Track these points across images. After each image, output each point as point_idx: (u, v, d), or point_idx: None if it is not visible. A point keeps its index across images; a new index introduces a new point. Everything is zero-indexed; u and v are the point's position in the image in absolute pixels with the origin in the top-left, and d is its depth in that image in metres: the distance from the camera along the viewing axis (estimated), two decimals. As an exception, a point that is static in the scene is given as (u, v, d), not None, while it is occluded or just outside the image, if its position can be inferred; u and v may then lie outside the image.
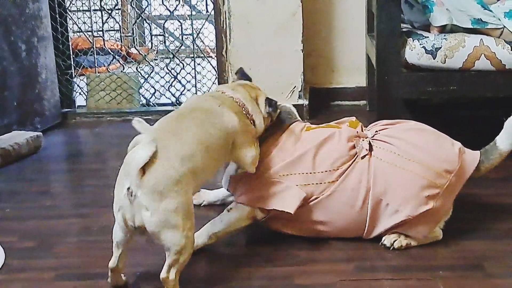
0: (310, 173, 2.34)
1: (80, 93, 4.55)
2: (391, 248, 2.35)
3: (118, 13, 5.55)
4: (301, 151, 2.37)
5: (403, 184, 2.29)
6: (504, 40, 3.02)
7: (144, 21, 5.68)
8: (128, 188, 1.97)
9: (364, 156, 2.35)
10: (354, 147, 2.37)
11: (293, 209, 2.31)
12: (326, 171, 2.34)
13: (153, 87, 4.59)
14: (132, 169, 1.96)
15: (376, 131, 2.43)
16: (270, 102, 2.39)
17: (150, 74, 4.65)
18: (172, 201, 1.98)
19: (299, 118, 2.55)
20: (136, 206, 1.98)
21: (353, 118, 2.52)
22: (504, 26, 3.04)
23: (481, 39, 3.02)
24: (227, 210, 2.40)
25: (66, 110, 4.34)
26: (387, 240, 2.36)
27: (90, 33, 4.69)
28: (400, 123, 2.48)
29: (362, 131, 2.46)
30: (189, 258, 2.05)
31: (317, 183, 2.34)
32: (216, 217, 2.41)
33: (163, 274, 2.02)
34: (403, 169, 2.30)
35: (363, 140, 2.39)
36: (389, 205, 2.31)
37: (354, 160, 2.35)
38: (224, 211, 2.41)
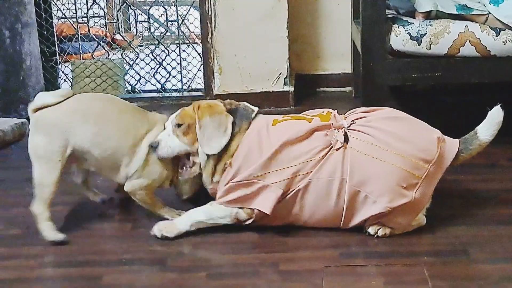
0: (285, 168, 2.33)
1: (65, 80, 4.53)
2: (375, 236, 2.36)
3: (102, -1, 5.52)
4: (273, 149, 2.34)
5: (380, 175, 2.28)
6: (489, 26, 3.03)
7: (129, 7, 5.65)
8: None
9: (339, 148, 2.33)
10: (326, 135, 2.35)
11: (269, 209, 2.33)
12: (300, 163, 2.33)
13: (138, 73, 4.56)
14: (31, 104, 2.40)
15: (353, 120, 2.40)
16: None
17: (135, 60, 4.63)
18: (40, 138, 2.37)
19: (255, 110, 2.50)
20: None
21: (324, 112, 2.48)
22: (489, 12, 3.05)
23: (466, 25, 3.03)
24: (210, 204, 2.42)
25: (51, 97, 4.31)
26: (371, 229, 2.37)
27: (74, 20, 4.66)
28: (377, 111, 2.45)
29: (337, 121, 2.42)
30: (47, 192, 2.37)
31: (292, 177, 2.33)
32: (199, 207, 2.43)
33: (30, 206, 2.41)
34: (380, 160, 2.28)
35: (338, 131, 2.37)
36: (367, 197, 2.30)
37: (329, 152, 2.33)
38: (207, 205, 2.42)
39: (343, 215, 2.35)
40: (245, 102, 2.53)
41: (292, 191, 2.34)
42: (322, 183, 2.32)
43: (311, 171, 2.32)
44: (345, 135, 2.35)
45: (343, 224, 2.38)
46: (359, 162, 2.30)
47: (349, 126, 2.38)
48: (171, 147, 2.42)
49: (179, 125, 2.42)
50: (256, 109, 2.50)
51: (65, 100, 2.41)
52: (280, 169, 2.33)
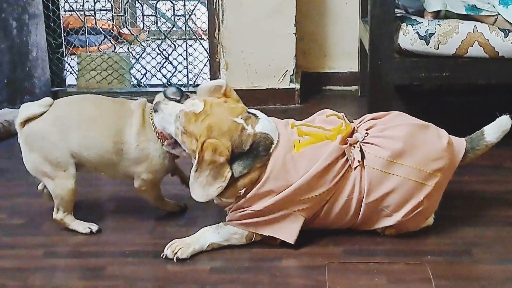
0: (311, 197, 2.26)
1: (70, 72, 4.52)
2: (381, 234, 2.36)
3: (110, -8, 5.53)
4: (301, 181, 2.23)
5: (396, 190, 2.26)
6: (498, 27, 3.02)
7: (136, 1, 5.66)
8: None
9: (356, 166, 2.28)
10: (347, 160, 2.28)
11: (293, 240, 2.27)
12: (324, 191, 2.26)
13: (144, 67, 4.56)
14: (18, 118, 2.39)
15: (366, 131, 2.35)
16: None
17: (142, 54, 4.63)
18: (37, 155, 2.36)
19: (274, 139, 2.27)
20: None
21: (344, 125, 2.36)
22: (498, 13, 3.04)
23: (475, 25, 3.02)
24: (225, 224, 2.32)
25: (57, 89, 4.31)
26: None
27: (81, 12, 4.66)
28: (386, 117, 2.41)
29: (353, 132, 2.36)
30: (70, 200, 2.39)
31: (316, 204, 2.28)
32: (214, 225, 2.33)
33: (53, 215, 2.42)
34: (395, 175, 2.26)
35: (354, 147, 2.31)
36: (383, 210, 2.29)
37: (347, 171, 2.28)
38: (221, 224, 2.32)
39: (357, 223, 2.34)
40: (265, 130, 2.27)
41: (314, 215, 2.32)
42: (341, 203, 2.29)
43: (333, 195, 2.29)
44: (361, 150, 2.30)
45: (353, 228, 2.37)
46: (375, 179, 2.26)
47: (363, 139, 2.33)
48: (163, 125, 2.29)
49: (181, 124, 2.25)
50: (276, 137, 2.28)
51: (48, 109, 2.38)
52: (305, 198, 2.26)
